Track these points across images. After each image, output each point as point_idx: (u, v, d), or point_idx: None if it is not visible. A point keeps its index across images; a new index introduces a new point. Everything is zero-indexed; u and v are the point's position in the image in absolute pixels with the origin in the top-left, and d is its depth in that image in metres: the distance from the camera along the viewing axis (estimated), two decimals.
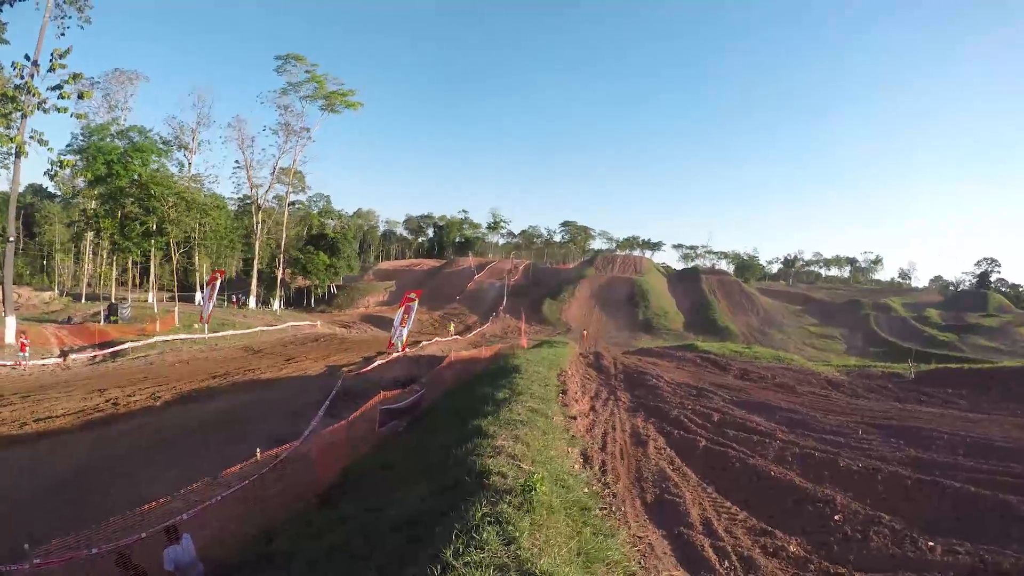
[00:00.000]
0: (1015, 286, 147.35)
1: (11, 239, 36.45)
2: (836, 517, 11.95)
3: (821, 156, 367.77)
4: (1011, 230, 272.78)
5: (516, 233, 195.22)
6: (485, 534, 6.61)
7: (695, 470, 15.52)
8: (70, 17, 35.38)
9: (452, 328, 78.97)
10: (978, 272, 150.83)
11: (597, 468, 14.44)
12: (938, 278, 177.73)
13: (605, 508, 11.15)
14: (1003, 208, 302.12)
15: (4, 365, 30.14)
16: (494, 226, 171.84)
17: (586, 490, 11.20)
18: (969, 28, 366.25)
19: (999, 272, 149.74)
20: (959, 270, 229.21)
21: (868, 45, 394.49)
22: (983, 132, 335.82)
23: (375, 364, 35.60)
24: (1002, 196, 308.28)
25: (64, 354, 34.27)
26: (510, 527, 6.91)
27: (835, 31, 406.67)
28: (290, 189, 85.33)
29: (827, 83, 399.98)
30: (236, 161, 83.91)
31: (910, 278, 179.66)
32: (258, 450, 15.06)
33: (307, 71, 75.46)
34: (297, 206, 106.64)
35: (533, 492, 8.27)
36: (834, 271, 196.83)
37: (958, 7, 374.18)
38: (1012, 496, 12.18)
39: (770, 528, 11.62)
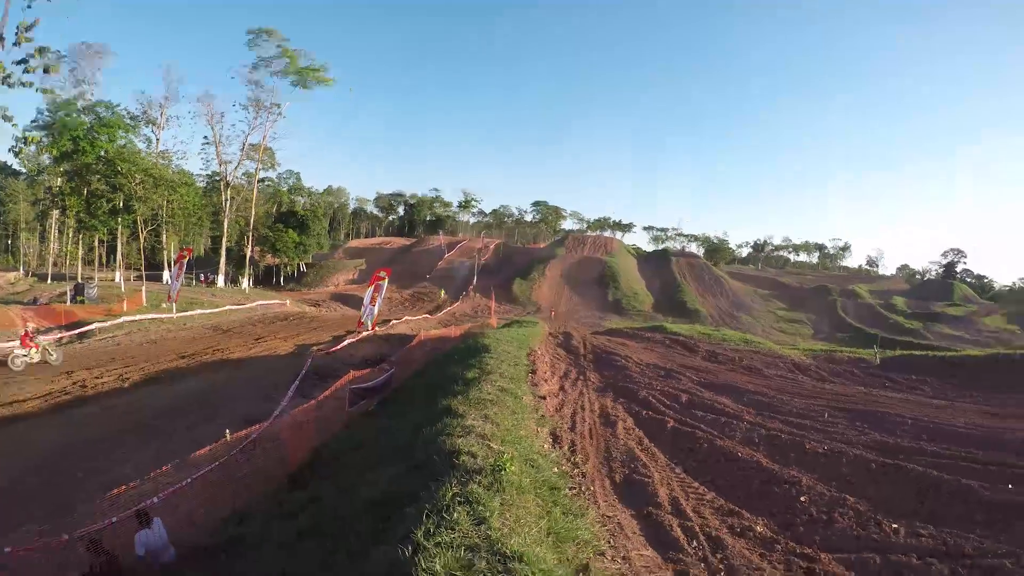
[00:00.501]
0: (980, 277, 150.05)
1: None
2: (802, 499, 12.21)
3: (793, 143, 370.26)
4: (977, 222, 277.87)
5: (487, 212, 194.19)
6: (456, 514, 6.65)
7: (663, 451, 15.74)
8: None
9: (443, 294, 78.98)
10: (944, 262, 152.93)
11: (566, 448, 14.59)
12: (905, 267, 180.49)
13: (574, 488, 11.29)
14: (969, 199, 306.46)
15: None
16: (465, 205, 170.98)
17: (555, 470, 11.30)
18: (934, 12, 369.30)
19: (965, 263, 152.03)
20: (926, 260, 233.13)
21: (837, 32, 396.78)
22: (951, 123, 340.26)
23: (345, 343, 35.43)
24: (969, 188, 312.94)
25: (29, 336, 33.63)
26: (480, 507, 6.94)
27: (807, 16, 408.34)
28: (260, 166, 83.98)
29: (797, 70, 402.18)
30: (205, 137, 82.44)
31: (877, 266, 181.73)
32: (227, 431, 15.00)
33: (279, 45, 73.92)
34: (267, 183, 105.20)
35: (503, 472, 8.32)
36: (803, 257, 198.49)
37: None
38: (974, 481, 12.50)
39: (737, 509, 11.84)
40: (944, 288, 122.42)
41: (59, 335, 34.25)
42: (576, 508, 9.34)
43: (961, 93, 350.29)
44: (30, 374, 25.43)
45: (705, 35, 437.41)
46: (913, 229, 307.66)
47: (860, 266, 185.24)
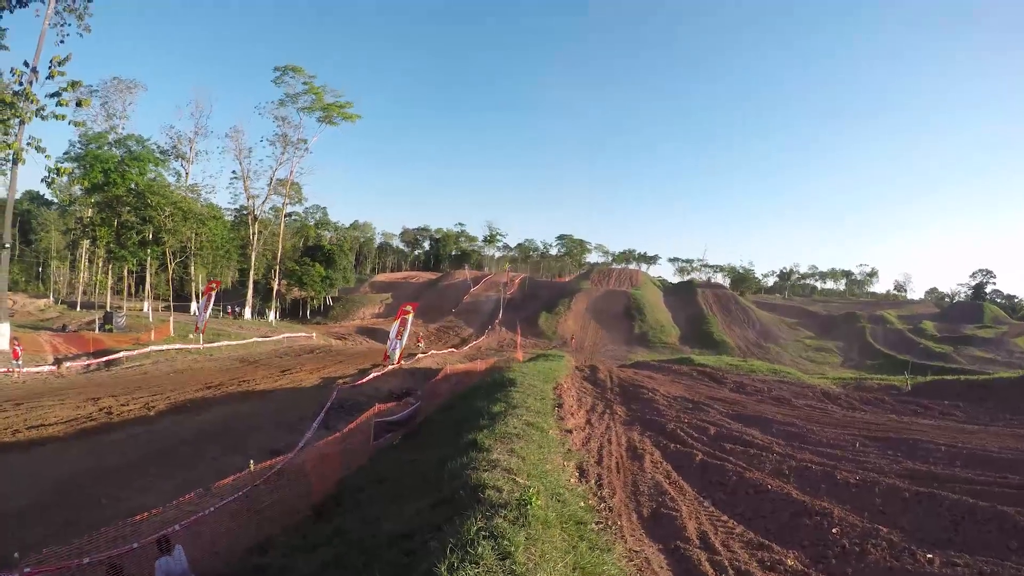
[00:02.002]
0: (1010, 297, 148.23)
1: (7, 245, 36.40)
2: (834, 530, 11.92)
3: (817, 169, 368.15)
4: (1006, 241, 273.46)
5: (512, 246, 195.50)
6: (480, 548, 6.55)
7: (692, 484, 15.47)
8: (69, 25, 35.49)
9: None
10: (973, 284, 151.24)
11: (593, 482, 14.37)
12: (933, 290, 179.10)
13: (601, 522, 11.10)
14: (998, 219, 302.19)
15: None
16: (490, 239, 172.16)
17: (582, 504, 11.14)
18: (961, 37, 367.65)
19: (994, 283, 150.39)
20: (954, 282, 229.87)
21: (864, 58, 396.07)
22: (978, 143, 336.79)
23: (370, 376, 35.52)
24: (997, 207, 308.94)
25: (58, 362, 34.12)
26: (505, 541, 6.85)
27: (831, 42, 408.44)
28: (287, 200, 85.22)
29: (823, 97, 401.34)
30: (233, 171, 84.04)
31: (906, 290, 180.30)
32: (252, 461, 14.97)
33: (305, 83, 75.41)
34: (294, 217, 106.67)
35: (528, 506, 8.22)
36: (830, 284, 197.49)
37: (952, 18, 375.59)
38: (1010, 507, 12.16)
39: (767, 542, 11.58)
40: (974, 310, 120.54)
41: (87, 362, 34.70)
42: (603, 543, 9.18)
43: (986, 112, 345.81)
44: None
45: (728, 66, 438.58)
46: (941, 251, 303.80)
47: (888, 291, 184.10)
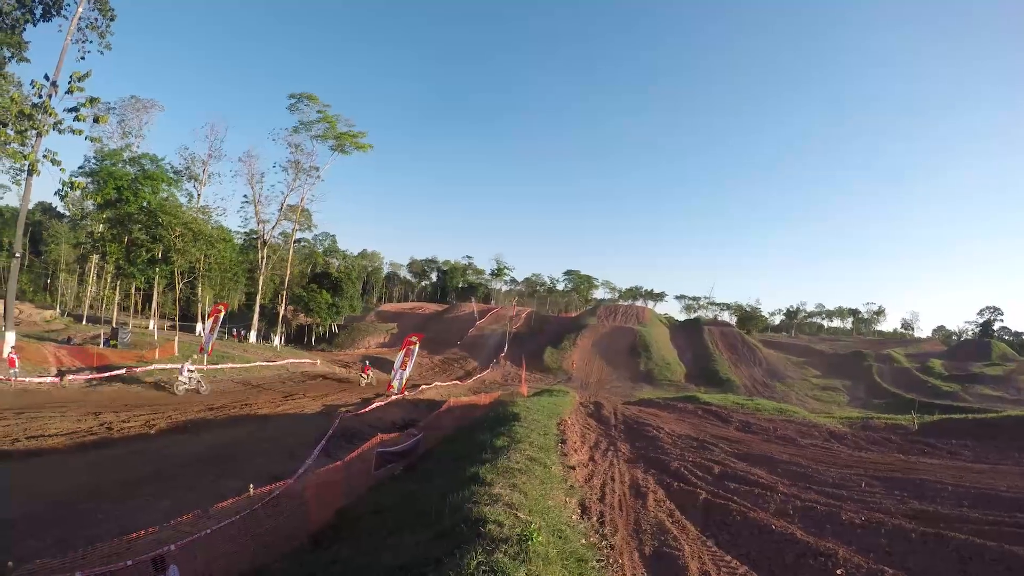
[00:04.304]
0: (1018, 334, 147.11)
1: (17, 255, 36.65)
2: (838, 571, 11.79)
3: (824, 208, 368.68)
4: (1014, 278, 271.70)
5: (519, 280, 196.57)
6: None
7: (695, 523, 15.29)
8: (91, 42, 36.16)
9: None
10: (981, 321, 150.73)
11: (595, 519, 14.22)
12: (941, 328, 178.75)
13: (602, 560, 10.95)
14: (1006, 256, 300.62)
15: None
16: (498, 272, 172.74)
17: (583, 541, 11.01)
18: (965, 79, 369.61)
19: (1002, 320, 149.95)
20: (962, 319, 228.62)
21: (870, 94, 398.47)
22: (985, 181, 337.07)
23: (373, 406, 35.42)
24: (1005, 244, 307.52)
25: (61, 374, 34.03)
26: None
27: (837, 80, 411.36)
28: (297, 226, 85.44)
29: (830, 133, 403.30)
30: (245, 195, 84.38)
31: (913, 328, 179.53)
32: (251, 486, 14.85)
33: (319, 111, 75.88)
34: (303, 243, 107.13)
35: (530, 542, 8.13)
36: (837, 322, 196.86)
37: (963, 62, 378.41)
38: (1019, 547, 12.08)
39: None
40: (982, 347, 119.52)
41: (90, 376, 34.65)
42: None
43: (992, 147, 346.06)
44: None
45: (739, 105, 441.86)
46: (948, 289, 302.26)
47: (895, 329, 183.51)
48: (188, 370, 35.56)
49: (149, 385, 35.51)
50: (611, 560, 11.45)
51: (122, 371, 36.49)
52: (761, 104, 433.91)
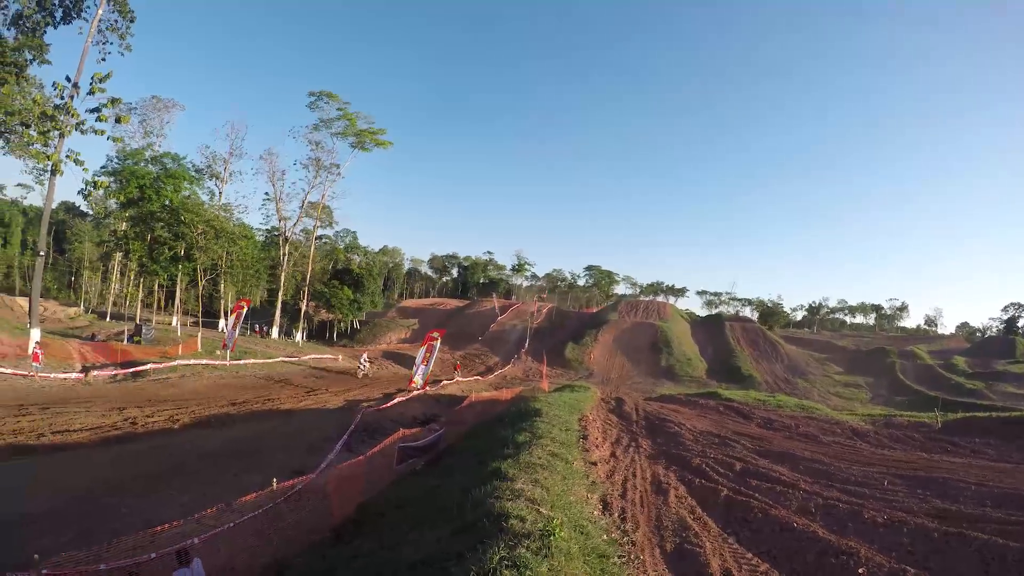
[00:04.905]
0: None
1: (42, 253, 37.18)
2: (860, 571, 11.68)
3: (848, 205, 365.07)
4: None
5: (540, 276, 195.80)
6: None
7: (716, 520, 15.22)
8: (111, 44, 36.57)
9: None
10: (1005, 318, 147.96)
11: (616, 515, 14.20)
12: (964, 324, 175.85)
13: (624, 556, 10.95)
14: None
15: (19, 375, 30.38)
16: (519, 268, 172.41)
17: (605, 537, 11.01)
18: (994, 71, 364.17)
19: None
20: (986, 316, 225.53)
21: (897, 89, 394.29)
22: (1010, 178, 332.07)
23: (395, 401, 35.51)
24: None
25: (86, 370, 34.55)
26: (528, 572, 6.80)
27: (864, 74, 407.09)
28: (318, 223, 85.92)
29: (853, 129, 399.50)
30: (266, 193, 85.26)
31: (936, 325, 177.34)
32: (275, 480, 14.96)
33: (339, 108, 76.31)
34: (324, 240, 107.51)
35: (552, 537, 8.14)
36: (859, 318, 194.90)
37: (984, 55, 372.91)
38: None
39: None
40: (1006, 344, 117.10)
41: (113, 371, 35.09)
42: None
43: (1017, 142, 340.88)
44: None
45: (760, 101, 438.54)
46: (972, 285, 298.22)
47: (918, 326, 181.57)
48: (364, 360, 43.92)
49: (173, 380, 35.97)
50: (632, 556, 11.43)
51: (146, 367, 36.91)
52: (785, 101, 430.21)
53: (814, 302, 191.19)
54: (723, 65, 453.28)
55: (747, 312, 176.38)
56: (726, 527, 14.76)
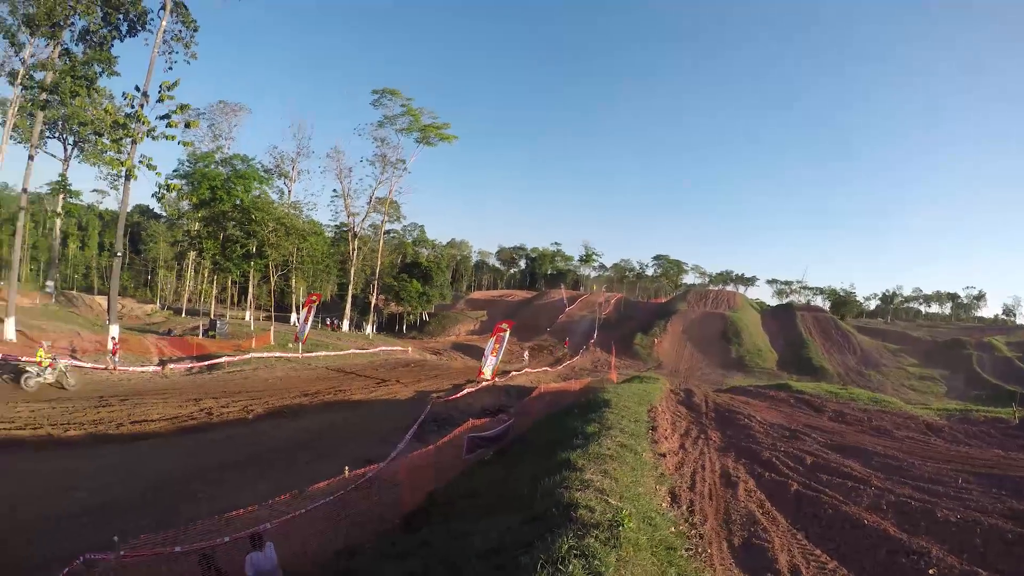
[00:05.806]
0: None
1: (119, 254, 38.77)
2: (931, 571, 11.43)
3: (923, 190, 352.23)
4: None
5: (608, 266, 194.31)
6: (571, 567, 6.62)
7: (785, 515, 15.05)
8: (177, 53, 37.97)
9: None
10: None
11: (685, 508, 14.19)
12: None
13: (691, 549, 10.97)
14: None
15: (99, 368, 31.66)
16: (586, 259, 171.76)
17: (673, 529, 11.05)
18: None
19: None
20: None
21: (970, 61, 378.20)
22: None
23: (464, 392, 35.93)
24: None
25: (163, 363, 35.99)
26: (596, 561, 6.89)
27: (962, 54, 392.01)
28: (385, 218, 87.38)
29: (924, 109, 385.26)
30: (334, 190, 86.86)
31: (1015, 315, 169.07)
32: (347, 468, 15.36)
33: (403, 105, 77.08)
34: (392, 235, 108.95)
35: (620, 528, 8.23)
36: (935, 308, 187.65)
37: None
38: None
39: None
40: None
41: (189, 365, 36.41)
42: (692, 570, 9.09)
43: None
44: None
45: (832, 91, 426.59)
46: None
47: (996, 315, 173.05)
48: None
49: (247, 372, 37.10)
50: (700, 549, 11.43)
51: (221, 360, 38.13)
52: (860, 86, 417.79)
53: (888, 291, 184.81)
54: (816, 49, 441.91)
55: (818, 301, 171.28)
56: (795, 522, 14.59)
